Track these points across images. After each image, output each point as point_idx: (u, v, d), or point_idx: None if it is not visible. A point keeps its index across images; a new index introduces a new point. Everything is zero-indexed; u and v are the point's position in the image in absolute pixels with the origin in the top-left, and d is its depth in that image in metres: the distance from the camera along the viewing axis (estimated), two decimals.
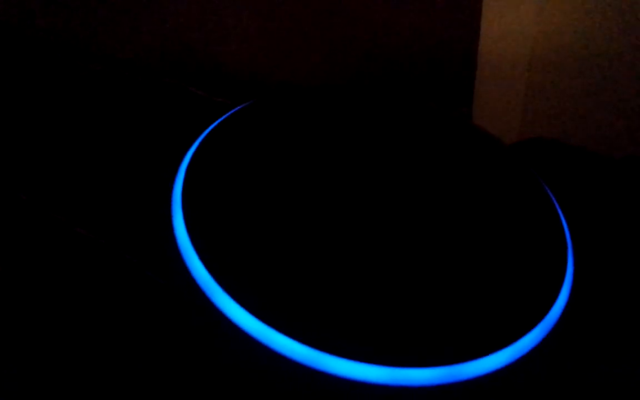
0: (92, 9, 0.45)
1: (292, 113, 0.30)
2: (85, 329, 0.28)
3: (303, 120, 0.29)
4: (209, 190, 0.25)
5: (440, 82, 0.45)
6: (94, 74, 0.39)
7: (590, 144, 0.44)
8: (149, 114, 0.37)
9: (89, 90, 0.38)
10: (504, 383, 0.22)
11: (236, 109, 0.29)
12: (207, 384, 0.24)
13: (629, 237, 0.33)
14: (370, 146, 0.28)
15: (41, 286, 0.29)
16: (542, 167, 0.33)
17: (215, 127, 0.28)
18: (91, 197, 0.32)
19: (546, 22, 0.44)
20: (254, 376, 0.22)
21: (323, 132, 0.29)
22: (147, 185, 0.32)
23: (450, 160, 0.29)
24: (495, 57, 0.45)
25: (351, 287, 0.23)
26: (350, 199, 0.26)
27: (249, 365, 0.22)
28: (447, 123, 0.31)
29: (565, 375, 0.26)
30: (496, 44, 0.44)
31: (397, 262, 0.24)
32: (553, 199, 0.29)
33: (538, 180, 0.29)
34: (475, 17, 0.43)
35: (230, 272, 0.23)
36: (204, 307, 0.22)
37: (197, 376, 0.25)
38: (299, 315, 0.22)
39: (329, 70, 0.46)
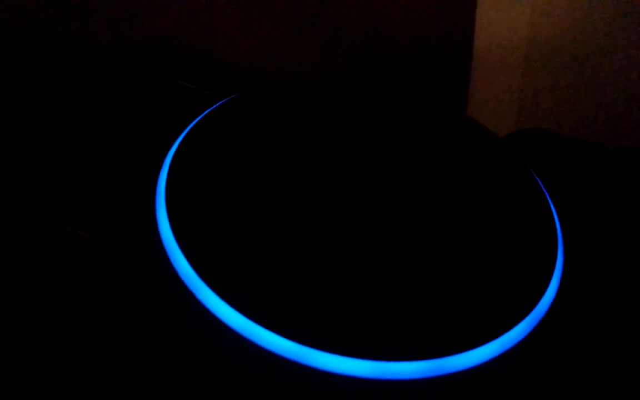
0: (77, 2, 0.45)
1: (280, 105, 0.30)
2: (73, 326, 0.28)
3: (290, 112, 0.29)
4: (193, 184, 0.25)
5: (435, 75, 0.45)
6: (79, 67, 0.38)
7: (585, 137, 0.43)
8: (136, 107, 0.37)
9: (74, 84, 0.38)
10: (491, 375, 0.22)
11: (222, 101, 0.29)
12: (195, 381, 0.24)
13: (622, 228, 0.33)
14: (359, 137, 0.28)
15: (28, 283, 0.29)
16: (535, 157, 0.33)
17: (200, 120, 0.28)
18: (77, 193, 0.32)
19: (541, 14, 0.43)
20: (240, 372, 0.22)
21: (309, 124, 0.28)
22: (134, 180, 0.32)
23: (440, 151, 0.28)
24: (490, 50, 0.45)
25: (337, 282, 0.23)
26: (335, 192, 0.26)
27: (236, 361, 0.22)
28: (438, 114, 0.31)
29: (554, 367, 0.26)
30: (491, 36, 0.44)
31: (383, 257, 0.24)
32: (544, 189, 0.28)
33: (529, 171, 0.29)
34: (470, 9, 0.43)
35: (214, 268, 0.23)
36: (188, 302, 0.22)
37: (184, 373, 0.25)
38: (285, 311, 0.22)
39: (322, 62, 0.45)
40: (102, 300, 0.28)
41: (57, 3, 0.45)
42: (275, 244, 0.23)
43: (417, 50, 0.44)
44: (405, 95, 0.31)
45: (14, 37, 0.43)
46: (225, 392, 0.23)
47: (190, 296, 0.22)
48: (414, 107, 0.31)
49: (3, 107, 0.37)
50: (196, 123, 0.28)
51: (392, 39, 0.44)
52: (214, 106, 0.29)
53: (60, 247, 0.30)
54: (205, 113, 0.28)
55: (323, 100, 0.30)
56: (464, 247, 0.25)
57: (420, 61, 0.44)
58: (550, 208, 0.27)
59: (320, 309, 0.22)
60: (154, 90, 0.38)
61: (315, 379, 0.21)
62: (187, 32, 0.45)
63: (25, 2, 0.45)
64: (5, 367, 0.26)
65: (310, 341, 0.21)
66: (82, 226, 0.30)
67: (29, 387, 0.26)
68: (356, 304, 0.22)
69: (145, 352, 0.26)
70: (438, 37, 0.43)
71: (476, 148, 0.29)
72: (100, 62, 0.38)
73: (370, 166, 0.27)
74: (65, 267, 0.29)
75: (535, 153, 0.38)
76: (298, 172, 0.26)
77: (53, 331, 0.27)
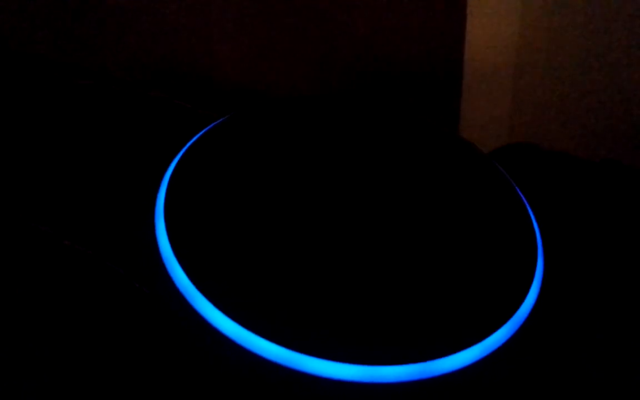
0: (77, 23, 0.46)
1: (274, 124, 0.31)
2: (74, 340, 0.28)
3: (284, 130, 0.31)
4: (190, 200, 0.27)
5: (426, 91, 0.45)
6: (80, 88, 0.40)
7: (577, 149, 0.44)
8: (135, 126, 0.38)
9: (75, 105, 0.39)
10: (476, 377, 0.23)
11: (219, 120, 0.31)
12: (191, 389, 0.25)
13: (605, 239, 0.34)
14: (348, 154, 0.30)
15: (28, 297, 0.30)
16: (519, 171, 0.34)
17: (197, 139, 0.29)
18: (77, 209, 0.33)
19: (530, 27, 0.44)
20: (234, 378, 0.23)
21: (302, 140, 0.30)
22: (134, 196, 0.33)
23: (424, 166, 0.30)
24: (481, 65, 0.45)
25: (323, 289, 0.24)
26: (324, 205, 0.27)
27: (230, 368, 0.23)
28: (423, 130, 0.32)
29: (538, 369, 0.27)
30: (481, 51, 0.45)
31: (371, 265, 0.25)
32: (525, 201, 0.30)
33: (510, 183, 0.30)
34: (459, 25, 0.43)
35: (210, 279, 0.24)
36: (185, 312, 0.24)
37: (183, 382, 0.26)
38: (275, 318, 0.23)
39: (316, 79, 0.46)
40: (102, 314, 0.29)
41: (55, 27, 0.46)
42: (267, 256, 0.25)
43: (408, 66, 0.45)
44: (390, 113, 0.33)
45: (15, 59, 0.44)
46: (220, 398, 0.24)
47: (188, 306, 0.23)
48: (398, 124, 0.32)
49: (5, 126, 0.38)
50: (193, 142, 0.29)
51: (383, 58, 0.45)
52: (211, 125, 0.30)
53: (60, 262, 0.31)
54: (202, 132, 0.30)
55: (316, 119, 0.32)
56: (447, 255, 0.26)
57: (412, 78, 0.45)
58: (530, 219, 0.29)
59: (309, 316, 0.23)
60: (153, 110, 0.39)
61: (306, 383, 0.22)
62: (185, 51, 0.46)
63: (24, 24, 0.46)
64: (6, 382, 0.27)
65: (302, 347, 0.22)
66: (82, 241, 0.31)
67: (27, 394, 0.27)
68: (344, 311, 0.23)
69: (146, 364, 0.27)
70: (429, 53, 0.44)
71: (459, 162, 0.31)
72: (100, 83, 0.40)
73: (358, 182, 0.28)
74: (64, 282, 0.30)
75: (520, 167, 0.39)
76: (289, 186, 0.27)
77: (53, 344, 0.28)
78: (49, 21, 0.47)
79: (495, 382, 0.24)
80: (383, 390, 0.22)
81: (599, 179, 0.39)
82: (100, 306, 0.29)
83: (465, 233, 0.27)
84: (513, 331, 0.24)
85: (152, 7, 0.45)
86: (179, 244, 0.25)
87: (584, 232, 0.34)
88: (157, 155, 0.30)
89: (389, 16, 0.44)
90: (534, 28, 0.44)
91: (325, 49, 0.45)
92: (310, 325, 0.23)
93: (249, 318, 0.23)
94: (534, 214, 0.29)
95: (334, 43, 0.45)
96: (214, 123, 0.30)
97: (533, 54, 0.44)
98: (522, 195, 0.30)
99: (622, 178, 0.38)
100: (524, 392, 0.27)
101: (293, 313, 0.23)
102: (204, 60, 0.46)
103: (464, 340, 0.23)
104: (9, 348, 0.28)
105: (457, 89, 0.45)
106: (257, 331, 0.23)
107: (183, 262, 0.24)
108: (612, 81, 0.43)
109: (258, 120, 0.31)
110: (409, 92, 0.45)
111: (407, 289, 0.24)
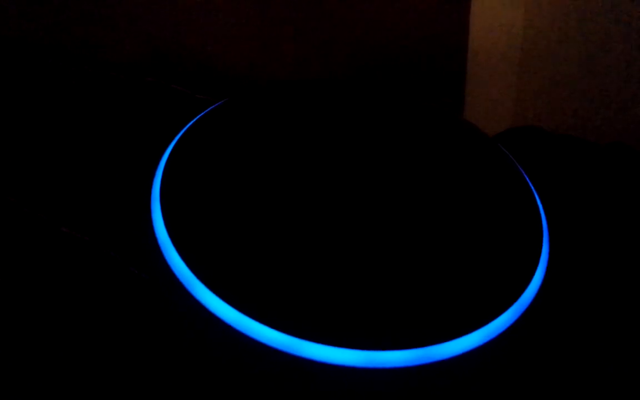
0: (74, 11, 0.46)
1: (271, 107, 0.30)
2: (71, 326, 0.28)
3: (281, 113, 0.30)
4: (186, 185, 0.26)
5: (431, 76, 0.45)
6: (76, 74, 0.39)
7: (584, 133, 0.44)
8: (133, 112, 0.37)
9: (71, 91, 0.39)
10: (477, 364, 0.23)
11: (215, 105, 0.30)
12: (189, 375, 0.25)
13: (612, 222, 0.34)
14: (346, 137, 0.29)
15: (25, 284, 0.30)
16: (524, 154, 0.34)
17: (193, 124, 0.29)
18: (75, 195, 0.33)
19: (535, 11, 0.44)
20: (234, 364, 0.23)
21: (299, 124, 0.29)
22: (130, 182, 0.32)
23: (427, 150, 0.29)
24: (485, 50, 0.45)
25: (323, 274, 0.23)
26: (322, 188, 0.26)
27: (229, 354, 0.23)
28: (427, 114, 0.31)
29: (539, 356, 0.27)
30: (486, 36, 0.44)
31: (370, 248, 0.24)
32: (530, 185, 0.29)
33: (515, 166, 0.30)
34: (464, 10, 0.43)
35: (206, 264, 0.23)
36: (181, 297, 0.23)
37: (180, 369, 0.25)
38: (275, 304, 0.23)
39: (318, 65, 0.46)
40: (99, 300, 0.29)
41: (54, 12, 0.46)
42: (264, 240, 0.24)
43: (413, 52, 0.44)
44: (393, 97, 0.32)
45: (13, 46, 0.44)
46: (220, 384, 0.24)
47: (184, 291, 0.23)
48: (402, 107, 0.31)
49: (2, 113, 0.38)
50: (189, 127, 0.29)
51: (387, 43, 0.45)
52: (207, 110, 0.30)
53: (58, 249, 0.31)
54: (198, 117, 0.29)
55: (314, 103, 0.31)
56: (450, 240, 0.25)
57: (416, 63, 0.45)
58: (536, 202, 0.28)
59: (309, 302, 0.23)
60: (150, 96, 0.38)
61: (307, 369, 0.22)
62: (184, 37, 0.46)
63: (22, 12, 0.46)
64: (3, 365, 0.27)
65: (301, 333, 0.22)
66: (79, 228, 0.31)
67: (26, 384, 0.27)
68: (344, 296, 0.23)
69: (143, 349, 0.27)
70: (433, 38, 0.44)
71: (463, 145, 0.30)
72: (96, 70, 0.39)
73: (357, 165, 0.28)
74: (62, 268, 0.30)
75: (526, 150, 0.38)
76: (285, 169, 0.27)
77: (50, 330, 0.28)
78: (43, 7, 0.46)
79: (497, 369, 0.24)
80: (384, 376, 0.22)
81: (605, 161, 0.38)
82: (98, 293, 0.29)
83: (469, 217, 0.26)
84: (517, 316, 0.24)
85: None
86: (175, 229, 0.24)
87: (590, 216, 0.34)
88: (155, 140, 0.30)
89: (393, 1, 0.43)
90: (539, 12, 0.43)
91: (328, 34, 0.45)
92: (309, 310, 0.22)
93: (248, 304, 0.22)
94: (540, 197, 0.29)
95: (337, 28, 0.44)
96: (210, 108, 0.30)
97: (537, 37, 0.44)
98: (527, 179, 0.29)
99: (629, 161, 0.37)
100: (527, 378, 0.26)
101: (291, 298, 0.23)
102: (204, 45, 0.46)
103: (466, 324, 0.23)
104: (5, 331, 0.28)
105: (462, 73, 0.45)
106: (257, 317, 0.22)
107: (179, 247, 0.24)
108: (618, 65, 0.43)
109: (254, 104, 0.31)
110: (414, 76, 0.45)
111: (410, 273, 0.24)
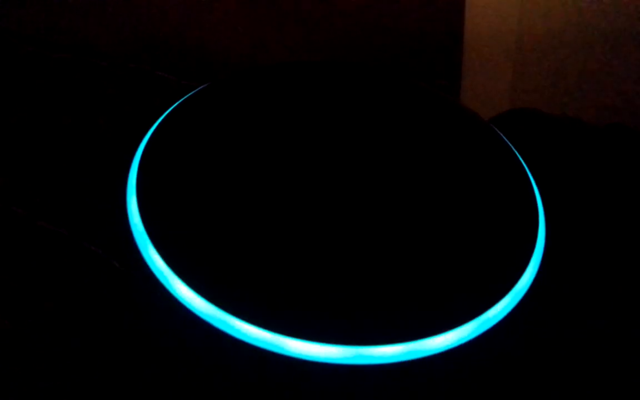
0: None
1: (254, 92, 0.29)
2: (54, 322, 0.27)
3: (265, 98, 0.29)
4: (163, 175, 0.25)
5: (426, 58, 0.44)
6: (58, 62, 0.38)
7: (581, 116, 0.43)
8: (114, 101, 0.36)
9: (50, 80, 0.38)
10: (470, 357, 0.22)
11: (195, 90, 0.29)
12: (168, 372, 0.24)
13: (611, 207, 0.33)
14: (335, 120, 0.28)
15: (5, 281, 0.29)
16: (522, 137, 0.32)
17: (172, 110, 0.27)
18: (53, 189, 0.32)
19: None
20: (214, 362, 0.22)
21: (284, 109, 0.28)
22: (108, 174, 0.31)
23: (421, 132, 0.28)
24: (482, 31, 0.44)
25: (307, 267, 0.22)
26: (307, 177, 0.25)
27: (209, 352, 0.22)
28: (421, 95, 0.30)
29: (535, 348, 0.26)
30: (482, 17, 0.44)
31: (356, 239, 0.23)
32: (527, 169, 0.28)
33: (510, 150, 0.29)
34: None
35: (183, 258, 0.22)
36: (161, 296, 0.22)
37: (159, 365, 0.24)
38: (255, 300, 0.21)
39: (309, 48, 0.45)
40: (82, 295, 0.28)
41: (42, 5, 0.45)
42: (245, 234, 0.23)
43: (409, 34, 0.44)
44: (386, 78, 0.31)
45: None
46: (202, 383, 0.23)
47: (160, 286, 0.22)
48: (395, 89, 0.30)
49: None
50: (168, 113, 0.27)
51: (382, 25, 0.44)
52: (187, 96, 0.28)
53: (37, 244, 0.30)
54: (177, 103, 0.28)
55: (301, 85, 0.30)
56: (441, 228, 0.24)
57: (412, 45, 0.44)
58: (532, 188, 0.27)
59: (292, 297, 0.22)
60: (133, 83, 0.37)
61: (290, 366, 0.21)
62: (177, 26, 0.45)
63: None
64: None
65: (281, 328, 0.21)
66: (58, 222, 0.30)
67: (10, 381, 0.26)
68: (330, 289, 0.22)
69: (125, 345, 0.26)
70: (429, 20, 0.43)
71: (458, 128, 0.29)
72: (78, 57, 0.38)
73: (344, 150, 0.26)
74: (42, 264, 0.29)
75: (523, 133, 0.37)
76: (268, 156, 0.26)
77: (33, 326, 0.27)
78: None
79: (494, 361, 0.23)
80: (371, 372, 0.21)
81: (604, 143, 0.37)
82: (79, 288, 0.28)
83: (464, 202, 0.25)
84: (511, 308, 0.23)
85: None
86: (151, 221, 0.23)
87: (588, 201, 0.33)
88: (134, 129, 0.29)
89: None
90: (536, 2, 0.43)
91: (322, 16, 0.44)
92: (292, 306, 0.21)
93: (226, 300, 0.21)
94: (536, 182, 0.28)
95: (330, 9, 0.44)
96: (190, 93, 0.29)
97: (535, 20, 0.43)
98: (523, 163, 0.28)
99: (628, 143, 0.36)
100: (519, 371, 0.25)
101: (272, 293, 0.22)
102: (197, 34, 0.45)
103: (458, 316, 0.22)
104: None
105: (458, 56, 0.44)
106: (237, 314, 0.21)
107: (155, 240, 0.23)
108: (616, 48, 0.42)
109: (236, 88, 0.29)
110: (409, 59, 0.44)
111: (398, 263, 0.23)
